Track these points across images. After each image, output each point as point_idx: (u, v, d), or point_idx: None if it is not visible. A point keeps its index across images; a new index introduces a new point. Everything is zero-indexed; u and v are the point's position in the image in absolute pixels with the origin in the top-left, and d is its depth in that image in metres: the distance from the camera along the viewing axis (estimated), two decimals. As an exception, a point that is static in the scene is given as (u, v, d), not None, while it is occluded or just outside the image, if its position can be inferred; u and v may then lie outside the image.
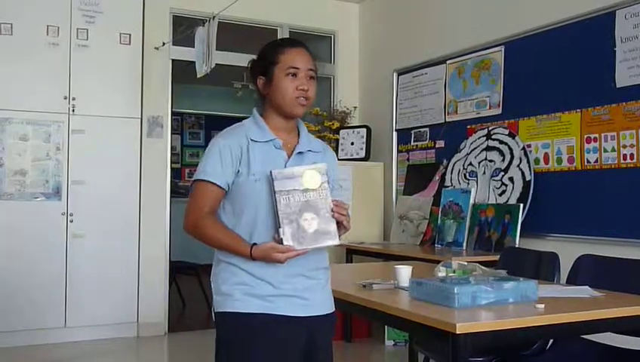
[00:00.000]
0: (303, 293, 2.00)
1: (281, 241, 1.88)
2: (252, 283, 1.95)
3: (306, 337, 2.01)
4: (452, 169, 4.95)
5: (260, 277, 1.95)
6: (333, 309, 2.13)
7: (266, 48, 2.09)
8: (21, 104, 5.12)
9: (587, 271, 2.91)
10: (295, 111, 2.04)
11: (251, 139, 2.00)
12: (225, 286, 1.98)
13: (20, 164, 5.12)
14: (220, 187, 1.97)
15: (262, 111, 2.10)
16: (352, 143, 5.93)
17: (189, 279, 6.75)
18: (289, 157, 2.03)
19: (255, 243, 1.92)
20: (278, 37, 6.14)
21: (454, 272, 2.67)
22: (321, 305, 2.06)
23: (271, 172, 1.90)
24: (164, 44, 5.58)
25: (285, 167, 1.99)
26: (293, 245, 1.87)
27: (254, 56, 2.14)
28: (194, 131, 10.98)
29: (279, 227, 1.87)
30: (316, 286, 2.05)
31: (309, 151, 2.09)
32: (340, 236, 1.93)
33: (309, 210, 1.89)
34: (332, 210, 1.91)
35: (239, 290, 1.95)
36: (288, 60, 2.02)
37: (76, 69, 5.28)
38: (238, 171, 1.97)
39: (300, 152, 2.06)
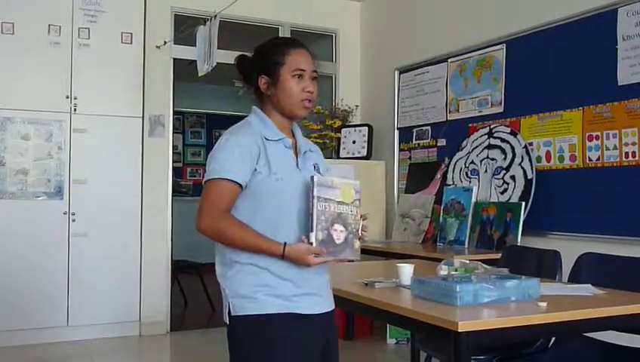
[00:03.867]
0: (318, 290, 2.02)
1: (310, 245, 1.89)
2: (275, 283, 1.93)
3: (322, 334, 2.03)
4: (454, 167, 4.95)
5: (283, 277, 1.94)
6: (334, 305, 2.15)
7: (269, 48, 2.07)
8: (23, 103, 5.13)
9: (589, 269, 2.90)
10: (299, 113, 2.05)
11: (265, 138, 1.99)
12: (245, 289, 1.94)
13: (22, 164, 5.13)
14: (239, 185, 1.93)
15: (262, 108, 2.09)
16: (354, 142, 5.93)
17: (191, 278, 6.75)
18: (296, 157, 2.05)
19: (285, 243, 1.91)
20: (280, 35, 6.13)
21: (456, 270, 2.67)
22: (329, 301, 2.09)
23: (312, 177, 1.91)
24: (165, 42, 5.58)
25: (297, 165, 2.02)
26: (321, 249, 1.89)
27: (247, 54, 2.12)
28: (195, 130, 10.98)
29: (311, 231, 1.88)
30: (325, 282, 2.07)
31: (309, 151, 2.11)
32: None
33: (340, 222, 1.92)
34: (359, 229, 1.96)
35: (262, 292, 1.93)
36: (294, 62, 2.01)
37: (78, 68, 5.29)
38: (255, 170, 1.94)
39: (304, 152, 2.08)
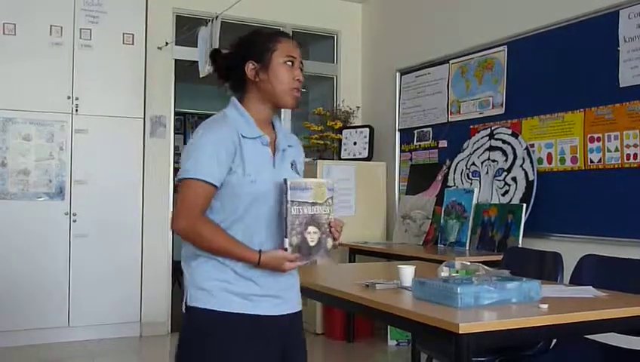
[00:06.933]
0: (281, 292, 1.97)
1: (285, 250, 1.87)
2: (235, 280, 1.90)
3: (283, 336, 1.98)
4: (455, 169, 4.95)
5: (244, 276, 1.91)
6: (301, 307, 2.11)
7: (259, 35, 2.03)
8: (24, 104, 5.13)
9: (590, 271, 2.90)
10: (289, 101, 2.00)
11: (242, 135, 1.93)
12: (205, 282, 1.92)
13: (24, 164, 5.13)
14: (215, 186, 1.88)
15: (242, 100, 2.02)
16: (355, 143, 5.93)
17: (191, 279, 6.72)
18: (273, 154, 1.99)
19: (261, 250, 1.89)
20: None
21: (457, 272, 2.67)
22: (294, 302, 2.04)
23: (285, 180, 1.88)
24: (167, 43, 5.58)
25: (273, 165, 1.97)
26: (296, 256, 1.88)
27: (221, 49, 2.07)
28: (197, 131, 10.98)
29: (285, 236, 1.86)
30: (290, 283, 2.02)
31: (289, 146, 2.06)
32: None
33: (313, 224, 1.89)
34: (330, 226, 1.92)
35: (220, 287, 1.90)
36: (286, 49, 1.98)
37: (79, 68, 5.29)
38: (231, 169, 1.90)
39: (282, 149, 2.02)
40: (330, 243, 1.93)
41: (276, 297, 1.96)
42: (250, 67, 1.98)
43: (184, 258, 1.99)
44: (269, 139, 2.00)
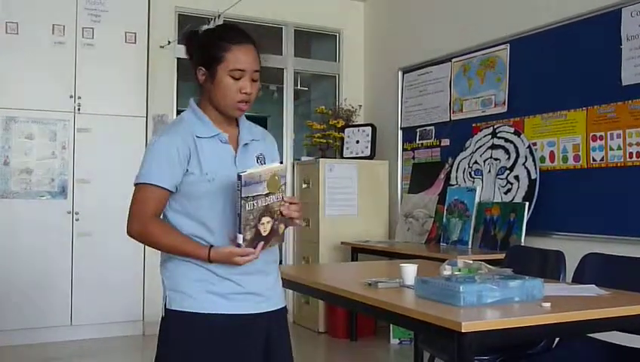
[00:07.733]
0: (260, 289, 1.97)
1: (239, 246, 1.83)
2: (213, 280, 1.90)
3: (266, 333, 1.98)
4: (457, 167, 4.94)
5: (220, 275, 1.90)
6: (285, 303, 2.12)
7: (210, 39, 1.95)
8: (27, 103, 5.14)
9: (593, 269, 2.90)
10: (232, 113, 1.97)
11: (197, 136, 1.92)
12: (183, 283, 1.91)
13: (26, 163, 5.14)
14: (167, 190, 1.89)
15: (200, 101, 2.00)
16: (358, 142, 5.93)
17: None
18: (235, 150, 1.98)
19: (212, 246, 1.87)
20: (283, 36, 6.15)
21: (460, 271, 2.66)
22: (275, 299, 2.04)
23: (240, 176, 1.80)
24: (169, 42, 5.59)
25: (235, 161, 1.95)
26: (249, 251, 1.83)
27: (199, 30, 2.00)
28: (199, 130, 10.99)
29: (239, 232, 1.81)
30: (271, 281, 2.02)
31: (253, 140, 2.03)
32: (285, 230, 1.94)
33: (267, 214, 1.85)
34: (282, 213, 1.87)
35: (199, 287, 1.90)
36: (234, 60, 1.90)
37: (82, 67, 5.30)
38: (187, 171, 1.89)
39: (245, 144, 2.00)
40: (282, 228, 1.90)
41: (258, 295, 1.96)
42: (200, 73, 1.96)
43: (161, 261, 1.99)
44: (230, 135, 1.98)
